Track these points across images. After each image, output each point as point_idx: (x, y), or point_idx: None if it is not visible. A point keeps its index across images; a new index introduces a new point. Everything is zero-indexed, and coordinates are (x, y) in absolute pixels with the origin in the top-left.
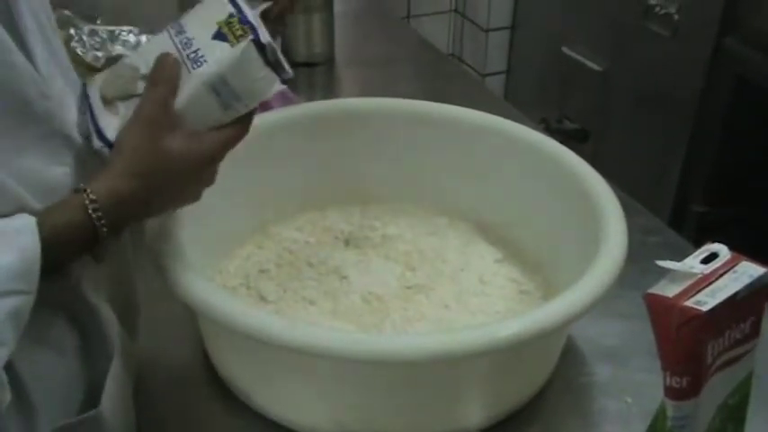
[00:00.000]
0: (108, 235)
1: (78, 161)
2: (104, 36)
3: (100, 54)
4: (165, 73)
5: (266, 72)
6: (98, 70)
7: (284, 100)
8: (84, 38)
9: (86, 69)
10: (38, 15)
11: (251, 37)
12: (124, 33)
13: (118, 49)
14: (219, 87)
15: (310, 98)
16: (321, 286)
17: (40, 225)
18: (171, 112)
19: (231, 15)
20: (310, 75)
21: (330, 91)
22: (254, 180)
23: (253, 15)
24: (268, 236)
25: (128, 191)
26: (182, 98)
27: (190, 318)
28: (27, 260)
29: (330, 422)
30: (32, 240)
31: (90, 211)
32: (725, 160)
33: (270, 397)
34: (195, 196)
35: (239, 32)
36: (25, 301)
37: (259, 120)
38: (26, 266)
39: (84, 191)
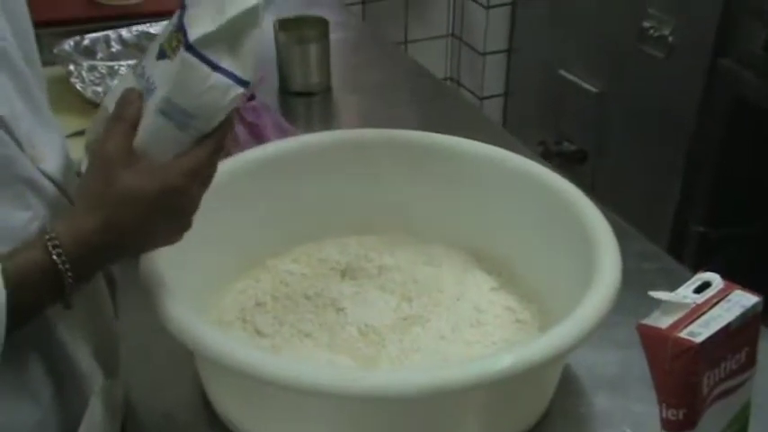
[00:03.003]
0: (75, 278)
1: (44, 203)
2: (103, 71)
3: (99, 89)
4: (126, 108)
5: (215, 79)
6: (97, 105)
7: (281, 131)
8: (84, 73)
9: (86, 105)
10: (7, 57)
11: (182, 43)
12: (123, 69)
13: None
14: (168, 109)
15: (308, 128)
16: (317, 319)
17: (4, 270)
18: (129, 148)
19: (172, 29)
20: (307, 105)
21: (328, 120)
22: (248, 213)
23: (188, 14)
24: (264, 268)
25: (89, 229)
26: (140, 131)
27: (187, 352)
28: None
29: None
30: None
31: (52, 253)
32: (724, 180)
33: None
34: (172, 234)
35: (174, 43)
36: None
37: (254, 152)
38: None
39: (46, 232)
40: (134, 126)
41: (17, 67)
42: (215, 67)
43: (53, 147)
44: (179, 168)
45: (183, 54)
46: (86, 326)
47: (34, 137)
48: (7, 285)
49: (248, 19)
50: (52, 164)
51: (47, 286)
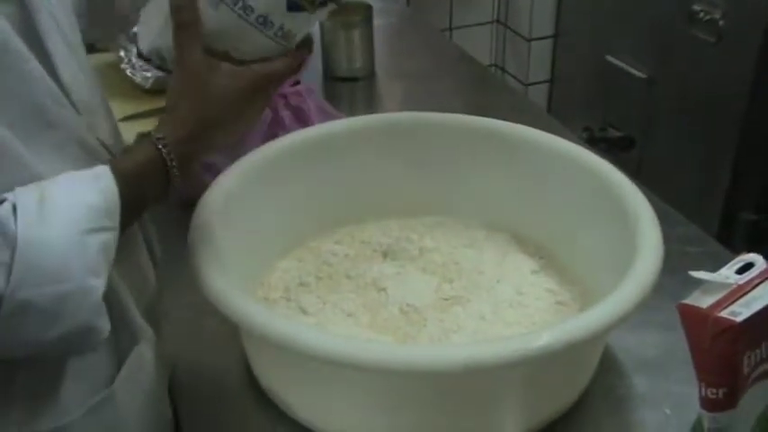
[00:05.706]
0: (179, 170)
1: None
2: None
3: (149, 75)
4: (182, 14)
5: None
6: (146, 91)
7: (325, 115)
8: (134, 59)
9: (136, 90)
10: (60, 26)
11: None
12: None
13: None
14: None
15: (352, 113)
16: (359, 298)
17: (113, 169)
18: (203, 52)
19: None
20: (351, 90)
21: (371, 105)
22: (292, 195)
23: None
24: (308, 249)
25: (189, 129)
26: (204, 30)
27: (232, 328)
28: (109, 200)
29: None
30: (110, 182)
31: (162, 151)
32: None
33: (310, 408)
34: (245, 122)
35: None
36: (112, 237)
37: (298, 135)
38: (109, 205)
39: (155, 135)
40: (197, 28)
41: (70, 39)
42: None
43: (107, 123)
44: (256, 72)
45: None
46: (132, 278)
47: (90, 105)
48: (125, 181)
49: None
50: (106, 135)
51: (156, 179)
